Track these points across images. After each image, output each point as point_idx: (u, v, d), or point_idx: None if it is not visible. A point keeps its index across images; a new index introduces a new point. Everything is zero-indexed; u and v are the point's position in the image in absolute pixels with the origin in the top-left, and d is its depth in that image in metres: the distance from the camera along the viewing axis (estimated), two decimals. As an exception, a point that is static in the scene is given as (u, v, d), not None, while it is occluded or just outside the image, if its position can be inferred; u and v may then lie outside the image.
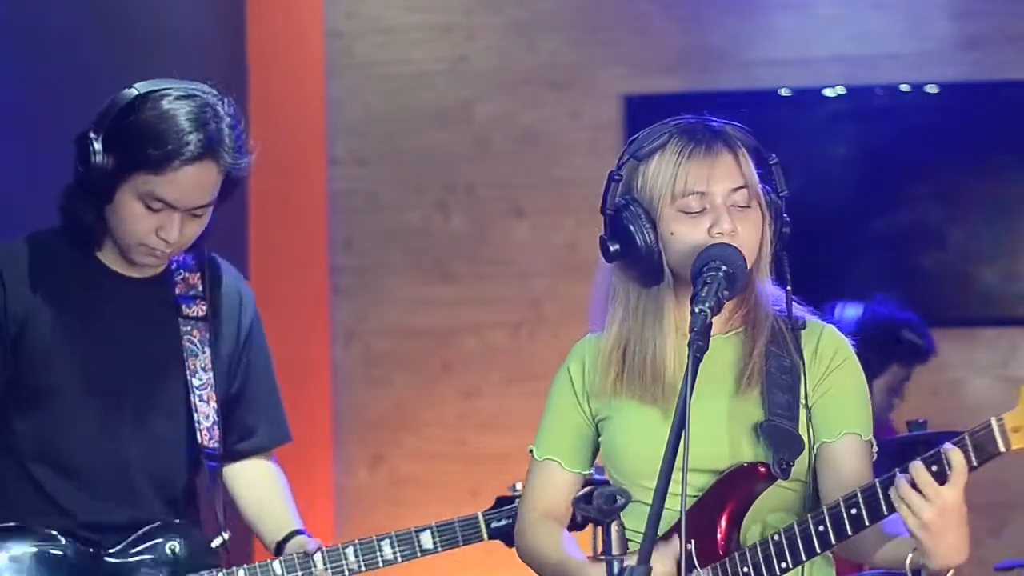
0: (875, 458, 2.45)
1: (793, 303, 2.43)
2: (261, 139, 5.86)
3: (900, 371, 4.44)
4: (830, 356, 2.45)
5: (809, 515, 2.30)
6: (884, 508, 2.22)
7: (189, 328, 2.78)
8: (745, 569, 2.32)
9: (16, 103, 3.84)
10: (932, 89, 5.46)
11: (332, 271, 5.85)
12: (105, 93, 2.70)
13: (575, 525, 2.66)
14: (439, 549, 2.84)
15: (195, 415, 2.78)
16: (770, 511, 2.41)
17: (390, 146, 5.84)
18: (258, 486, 2.90)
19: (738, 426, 2.40)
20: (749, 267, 2.38)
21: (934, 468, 2.17)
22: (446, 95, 5.79)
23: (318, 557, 2.76)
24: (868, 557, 2.37)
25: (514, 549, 2.64)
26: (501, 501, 2.95)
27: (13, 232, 2.81)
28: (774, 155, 2.45)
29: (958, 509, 2.17)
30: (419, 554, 2.82)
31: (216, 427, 2.80)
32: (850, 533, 2.26)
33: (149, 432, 2.75)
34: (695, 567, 2.32)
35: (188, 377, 2.77)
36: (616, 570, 1.98)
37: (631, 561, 2.02)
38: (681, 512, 2.11)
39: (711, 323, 2.21)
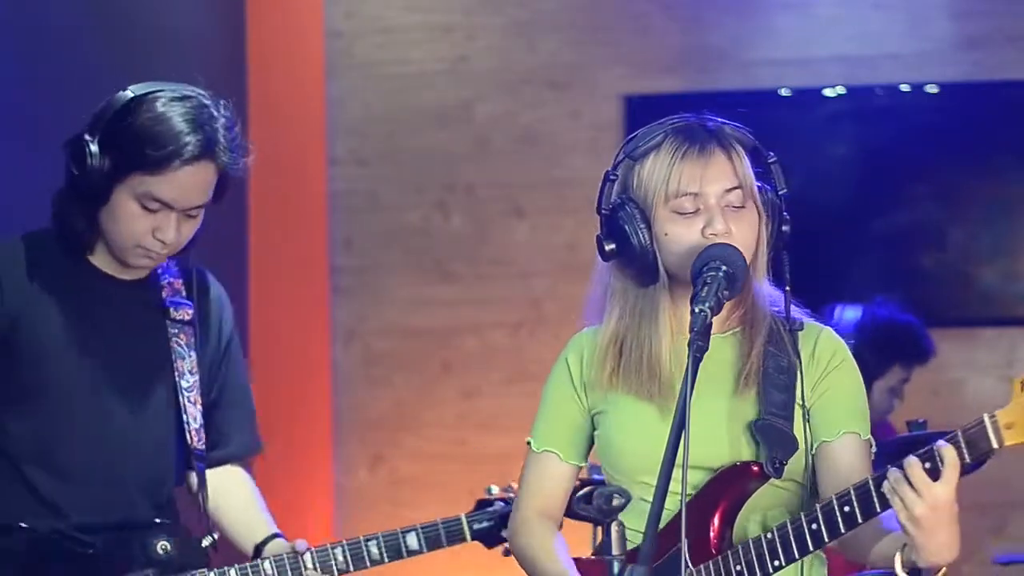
0: (874, 458, 2.45)
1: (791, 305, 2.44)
2: (261, 139, 5.86)
3: (900, 372, 4.44)
4: (828, 357, 2.45)
5: (802, 513, 2.30)
6: (877, 505, 2.22)
7: (176, 331, 2.80)
8: (738, 567, 2.32)
9: (16, 103, 3.84)
10: (932, 89, 5.46)
11: (332, 271, 5.86)
12: (105, 93, 2.70)
13: (573, 515, 2.67)
14: (424, 550, 2.89)
15: (184, 416, 2.80)
16: (764, 510, 2.42)
17: (390, 146, 5.85)
18: (233, 492, 2.93)
19: (734, 425, 2.40)
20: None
21: (927, 465, 2.17)
22: (446, 95, 5.79)
23: (308, 557, 2.78)
24: (866, 554, 2.37)
25: (492, 549, 2.68)
26: (481, 504, 3.02)
27: (13, 232, 2.81)
28: (772, 154, 2.45)
29: (949, 507, 2.17)
30: (405, 555, 2.87)
31: (203, 429, 2.82)
32: (843, 531, 2.26)
33: (141, 433, 2.77)
34: (688, 565, 2.32)
35: (176, 379, 2.79)
36: (616, 570, 1.98)
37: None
38: (681, 513, 2.11)
39: (711, 323, 2.22)
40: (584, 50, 5.69)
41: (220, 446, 2.92)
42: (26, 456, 2.68)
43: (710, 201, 2.38)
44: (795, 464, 2.40)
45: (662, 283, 2.42)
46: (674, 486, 2.11)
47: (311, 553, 2.79)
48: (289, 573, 2.78)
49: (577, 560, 2.51)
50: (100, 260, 2.72)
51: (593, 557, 2.49)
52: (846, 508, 2.24)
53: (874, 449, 2.45)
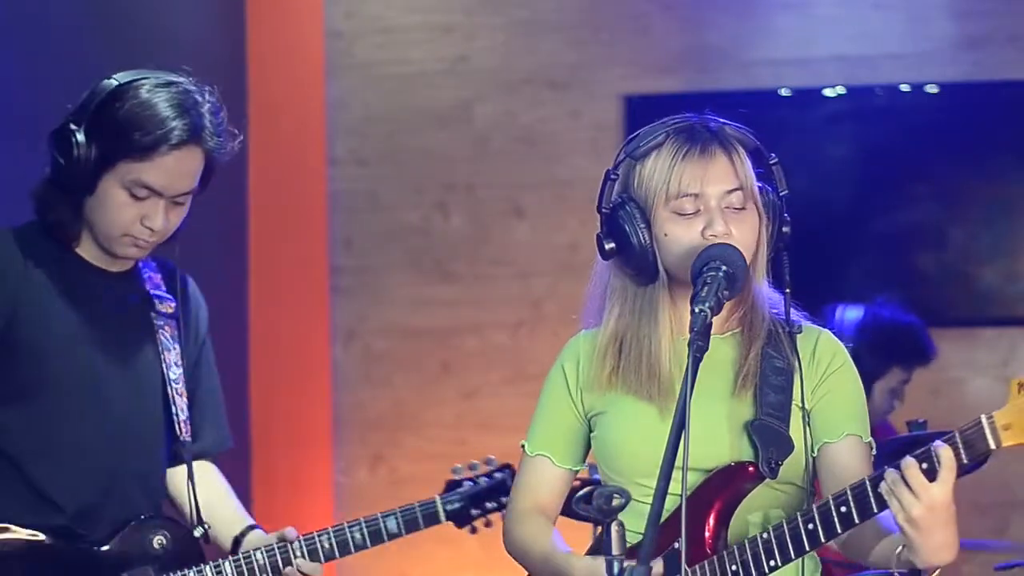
0: (873, 459, 2.45)
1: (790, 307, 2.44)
2: (261, 139, 5.89)
3: (901, 373, 4.44)
4: (828, 360, 2.45)
5: (798, 513, 2.30)
6: (874, 506, 2.22)
7: (161, 324, 2.82)
8: (734, 567, 2.32)
9: (16, 103, 3.84)
10: (932, 89, 5.46)
11: (332, 271, 5.85)
12: (105, 93, 2.70)
13: (573, 515, 2.67)
14: (403, 532, 2.97)
15: (173, 408, 2.81)
16: (761, 511, 2.42)
17: (390, 146, 5.84)
18: (208, 486, 2.94)
19: (732, 426, 2.40)
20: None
21: (924, 465, 2.17)
22: (446, 95, 5.79)
23: (296, 545, 2.82)
24: (866, 554, 2.37)
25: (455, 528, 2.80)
26: (450, 485, 3.11)
27: (13, 231, 2.81)
28: (774, 155, 2.45)
29: (946, 508, 2.17)
30: (386, 538, 2.95)
31: (189, 422, 2.83)
32: (840, 531, 2.26)
33: (137, 425, 2.78)
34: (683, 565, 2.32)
35: (165, 371, 2.80)
36: (616, 570, 1.98)
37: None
38: (681, 513, 2.11)
39: (711, 323, 2.22)
40: (584, 50, 5.69)
41: (194, 441, 2.93)
42: (25, 452, 2.69)
43: (711, 202, 2.38)
44: (794, 466, 2.40)
45: (661, 283, 2.42)
46: (672, 486, 2.11)
47: (299, 541, 2.83)
48: (280, 561, 2.81)
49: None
50: (87, 252, 2.73)
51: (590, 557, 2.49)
52: (843, 508, 2.24)
53: (874, 452, 2.45)
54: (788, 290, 2.44)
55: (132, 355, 2.78)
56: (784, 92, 5.53)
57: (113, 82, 2.65)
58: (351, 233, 5.86)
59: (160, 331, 2.82)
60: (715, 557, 2.34)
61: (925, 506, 2.16)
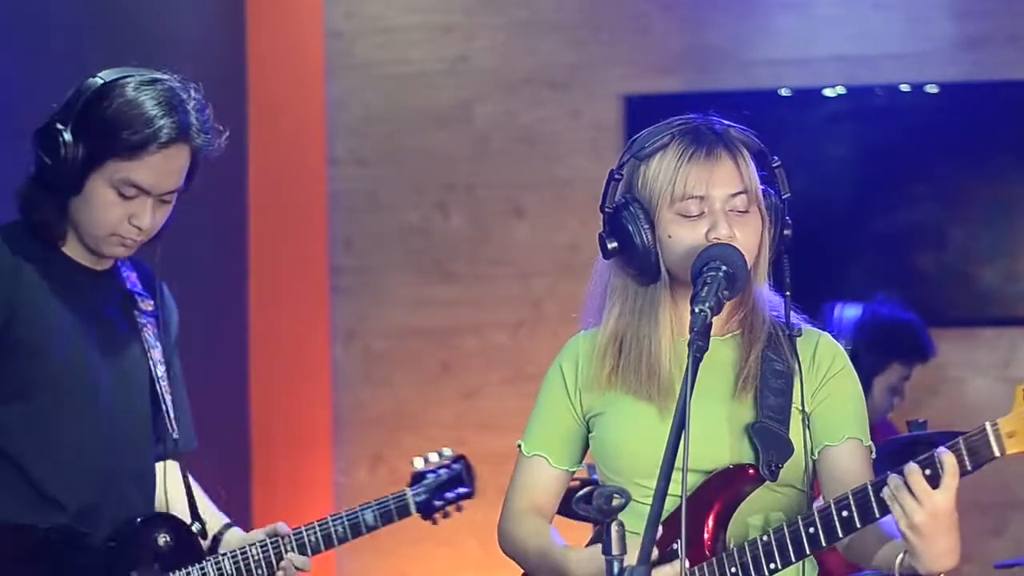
0: (873, 461, 2.46)
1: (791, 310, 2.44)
2: (261, 139, 5.89)
3: (900, 370, 4.43)
4: (828, 363, 2.45)
5: (799, 517, 2.30)
6: (876, 510, 2.22)
7: (144, 322, 2.83)
8: (733, 569, 2.32)
9: (16, 103, 3.84)
10: (932, 89, 5.46)
11: (332, 271, 5.86)
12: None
13: (573, 515, 2.67)
14: (379, 525, 3.04)
15: (164, 405, 2.82)
16: (759, 513, 2.41)
17: (390, 146, 5.84)
18: (180, 486, 2.93)
19: (732, 428, 2.40)
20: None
21: (927, 471, 2.17)
22: (446, 95, 5.79)
23: (287, 540, 2.87)
24: (868, 559, 2.37)
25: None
26: (416, 478, 3.20)
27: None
28: (777, 158, 2.45)
29: (949, 514, 2.17)
30: (364, 531, 3.00)
31: (175, 419, 2.84)
32: (841, 535, 2.26)
33: (131, 423, 2.79)
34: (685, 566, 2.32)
35: (152, 369, 2.81)
36: (616, 570, 1.98)
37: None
38: (681, 514, 2.10)
39: (711, 323, 2.22)
40: (584, 50, 5.69)
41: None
42: (25, 451, 2.69)
43: (715, 205, 2.38)
44: (794, 469, 2.40)
45: (663, 283, 2.42)
46: (672, 487, 2.11)
47: (290, 536, 2.87)
48: (272, 556, 2.85)
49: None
50: (72, 251, 2.73)
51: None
52: (844, 513, 2.24)
53: (873, 455, 2.45)
54: (788, 293, 2.44)
55: (121, 353, 2.79)
56: (784, 92, 5.53)
57: (99, 80, 2.65)
58: (351, 233, 5.86)
59: (144, 329, 2.83)
60: (714, 559, 2.34)
61: (928, 513, 2.16)
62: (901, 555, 2.23)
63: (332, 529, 2.96)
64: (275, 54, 5.64)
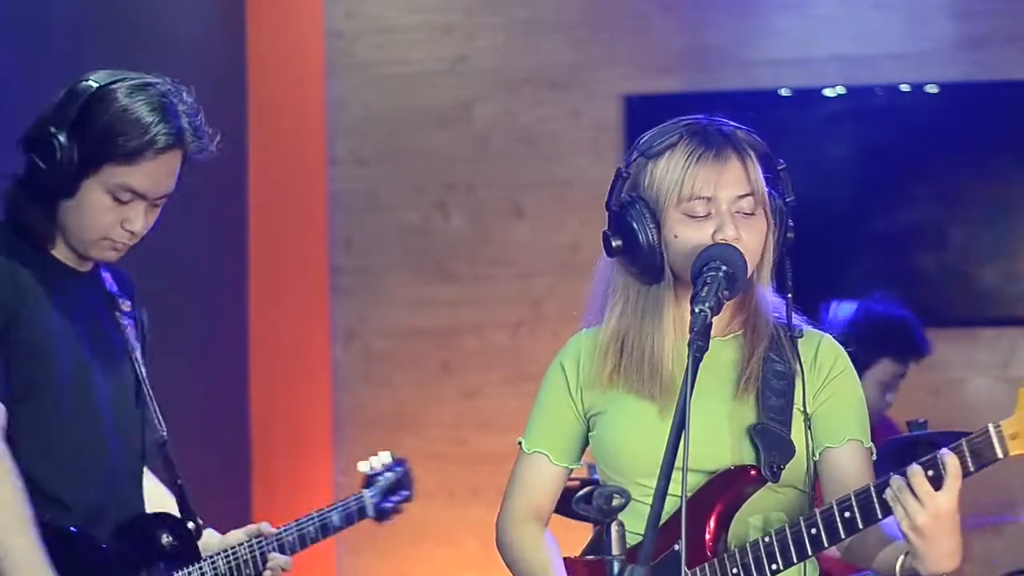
0: (874, 461, 2.46)
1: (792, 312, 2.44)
2: (261, 139, 5.88)
3: (892, 366, 4.40)
4: (829, 365, 2.46)
5: (801, 518, 2.30)
6: (879, 512, 2.22)
7: (125, 323, 2.83)
8: (735, 570, 2.32)
9: (16, 103, 3.84)
10: (932, 89, 5.46)
11: (332, 271, 5.86)
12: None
13: (573, 515, 2.67)
14: (344, 526, 3.18)
15: (152, 404, 2.83)
16: (760, 514, 2.41)
17: (390, 146, 5.85)
18: (153, 488, 2.95)
19: (733, 429, 2.40)
20: (751, 273, 2.39)
21: (930, 472, 2.17)
22: (446, 95, 5.79)
23: (269, 540, 2.93)
24: (870, 560, 2.37)
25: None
26: (368, 480, 3.37)
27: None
28: (782, 161, 2.45)
29: (951, 516, 2.17)
30: (332, 531, 3.12)
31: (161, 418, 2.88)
32: (843, 536, 2.26)
33: (127, 422, 2.79)
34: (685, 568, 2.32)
35: (138, 369, 2.82)
36: (616, 570, 1.98)
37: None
38: (681, 514, 2.11)
39: (711, 323, 2.22)
40: (584, 50, 5.69)
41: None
42: (30, 452, 2.69)
43: (722, 207, 2.38)
44: (795, 470, 2.40)
45: (667, 282, 2.42)
46: (672, 487, 2.11)
47: (273, 537, 2.95)
48: (258, 556, 2.90)
49: (568, 560, 2.51)
50: (60, 253, 2.73)
51: (589, 557, 2.49)
52: (846, 514, 2.24)
53: (874, 457, 2.45)
54: (790, 295, 2.44)
55: (111, 354, 2.79)
56: (784, 92, 5.53)
57: (92, 84, 2.65)
58: (351, 233, 5.86)
59: (125, 330, 2.83)
60: (716, 560, 2.34)
61: (930, 514, 2.16)
62: (903, 556, 2.23)
63: (306, 530, 3.04)
64: (275, 54, 5.64)
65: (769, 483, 2.37)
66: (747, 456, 2.38)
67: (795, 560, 2.30)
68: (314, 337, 5.81)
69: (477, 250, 5.77)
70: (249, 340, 5.53)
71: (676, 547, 2.16)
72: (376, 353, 5.84)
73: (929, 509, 2.16)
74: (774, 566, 2.30)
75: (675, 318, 2.43)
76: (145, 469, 2.96)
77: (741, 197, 2.40)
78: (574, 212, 5.60)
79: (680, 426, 2.08)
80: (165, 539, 2.79)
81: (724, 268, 2.28)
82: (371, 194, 5.85)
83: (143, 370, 2.85)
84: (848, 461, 2.41)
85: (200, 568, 2.81)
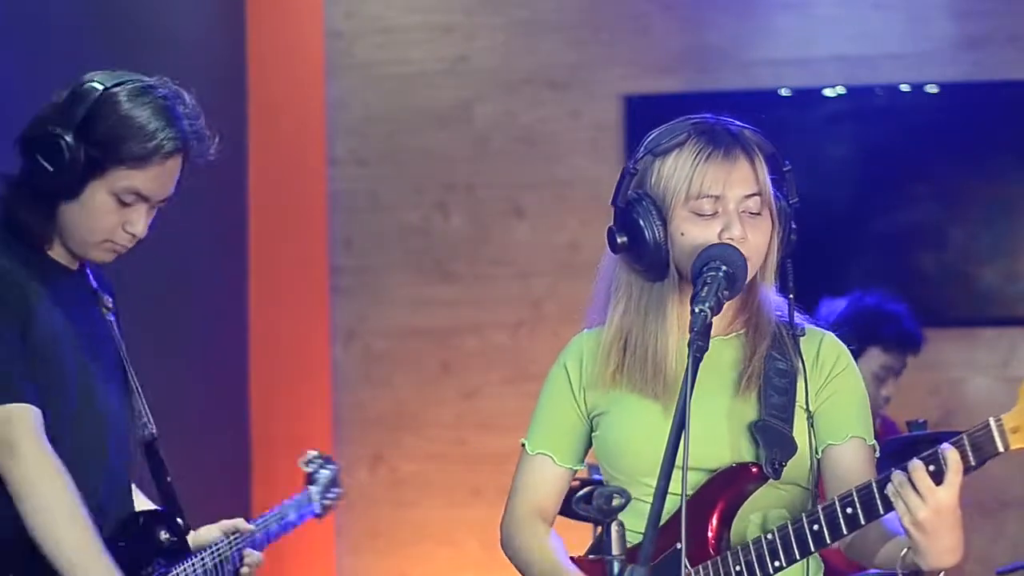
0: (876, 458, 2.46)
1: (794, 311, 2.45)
2: (261, 139, 5.88)
3: (882, 356, 4.38)
4: (832, 362, 2.46)
5: (803, 514, 2.30)
6: (880, 508, 2.22)
7: (111, 320, 2.84)
8: (737, 568, 2.33)
9: (16, 103, 3.84)
10: (932, 89, 5.46)
11: (332, 271, 5.86)
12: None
13: (573, 515, 2.67)
14: (298, 522, 3.24)
15: (141, 401, 2.83)
16: (762, 511, 2.42)
17: (390, 146, 5.85)
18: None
19: (735, 426, 2.40)
20: (755, 272, 2.40)
21: (931, 467, 2.17)
22: (446, 95, 5.79)
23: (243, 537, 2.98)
24: (871, 556, 2.37)
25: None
26: (309, 478, 3.39)
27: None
28: (788, 162, 2.45)
29: (952, 511, 2.17)
30: (289, 529, 3.18)
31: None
32: (845, 532, 2.26)
33: (118, 420, 2.80)
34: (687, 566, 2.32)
35: (126, 366, 2.83)
36: (616, 570, 1.98)
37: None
38: (681, 514, 2.11)
39: (711, 323, 2.22)
40: (584, 50, 5.70)
41: None
42: None
43: (729, 206, 2.39)
44: (798, 468, 2.40)
45: (671, 280, 2.43)
46: (673, 486, 2.11)
47: (249, 533, 2.99)
48: (236, 549, 2.94)
49: (573, 559, 2.51)
50: (55, 253, 2.74)
51: (591, 557, 2.49)
52: (848, 510, 2.24)
53: (877, 454, 2.46)
54: (792, 295, 2.45)
55: (103, 352, 2.80)
56: (784, 92, 5.53)
57: (97, 86, 2.64)
58: (351, 233, 5.86)
59: (112, 327, 2.84)
60: (719, 557, 2.34)
61: (931, 509, 2.16)
62: (904, 552, 2.23)
63: (270, 527, 3.08)
64: (275, 54, 5.64)
65: (771, 480, 2.37)
66: (749, 454, 2.38)
67: (797, 557, 2.30)
68: (314, 337, 5.81)
69: (477, 250, 5.77)
70: (249, 340, 5.53)
71: (678, 546, 2.16)
72: (376, 353, 5.84)
73: (930, 504, 2.16)
74: (776, 563, 2.30)
75: (679, 316, 2.43)
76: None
77: (748, 197, 2.40)
78: (574, 212, 5.60)
79: (680, 426, 2.08)
80: (163, 536, 2.79)
81: (724, 268, 2.28)
82: (371, 194, 5.85)
83: (131, 367, 2.85)
84: (851, 458, 2.41)
85: (192, 565, 2.82)
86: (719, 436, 2.40)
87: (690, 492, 2.38)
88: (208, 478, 4.66)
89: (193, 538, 2.91)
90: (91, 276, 2.85)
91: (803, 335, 2.45)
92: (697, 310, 2.21)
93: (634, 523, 2.20)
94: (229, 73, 5.41)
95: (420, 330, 5.79)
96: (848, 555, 2.43)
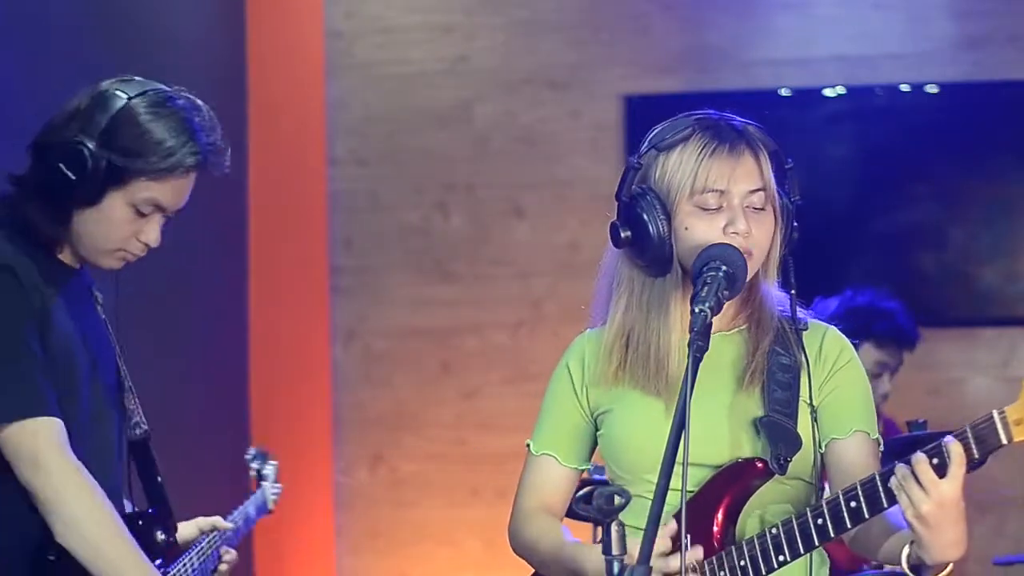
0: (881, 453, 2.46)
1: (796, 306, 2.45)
2: (261, 139, 5.88)
3: (875, 352, 4.37)
4: (835, 356, 2.46)
5: (808, 508, 2.30)
6: (884, 501, 2.23)
7: (105, 318, 2.84)
8: (742, 562, 2.33)
9: (16, 103, 3.84)
10: (932, 89, 5.46)
11: (332, 271, 5.86)
12: (105, 93, 2.69)
13: (573, 515, 2.67)
14: (257, 518, 3.38)
15: (135, 400, 2.84)
16: (767, 506, 2.42)
17: (390, 146, 5.85)
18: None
19: (738, 422, 2.41)
20: (757, 269, 2.41)
21: (935, 460, 2.17)
22: (446, 95, 5.79)
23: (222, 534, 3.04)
24: (875, 550, 2.37)
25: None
26: (259, 475, 3.55)
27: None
28: (790, 160, 2.46)
29: (956, 504, 2.17)
30: (252, 524, 3.32)
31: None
32: (849, 526, 2.26)
33: (119, 419, 2.80)
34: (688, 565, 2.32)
35: (120, 364, 2.83)
36: (616, 570, 1.98)
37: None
38: (682, 513, 2.11)
39: (711, 323, 2.22)
40: (584, 50, 5.70)
41: None
42: None
43: (734, 201, 2.39)
44: (802, 462, 2.40)
45: (674, 275, 2.43)
46: (675, 484, 2.11)
47: (226, 531, 3.06)
48: (217, 549, 3.01)
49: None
50: (64, 257, 2.74)
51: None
52: (852, 504, 2.24)
53: (881, 448, 2.46)
54: (794, 291, 2.45)
55: (104, 350, 2.80)
56: (784, 92, 5.54)
57: (122, 96, 2.64)
58: (351, 233, 5.86)
59: (106, 324, 2.84)
60: (723, 552, 2.35)
61: (935, 502, 2.16)
62: (908, 546, 2.23)
63: (239, 526, 3.16)
64: (275, 54, 5.64)
65: (776, 475, 2.37)
66: (753, 449, 2.39)
67: (802, 551, 2.30)
68: (314, 337, 5.81)
69: (477, 250, 5.77)
70: (249, 340, 5.53)
71: (684, 541, 2.17)
72: (376, 353, 5.84)
73: (933, 497, 2.15)
74: (781, 557, 2.30)
75: (682, 313, 2.43)
76: None
77: (753, 192, 2.40)
78: (574, 212, 5.60)
79: (680, 426, 2.08)
80: (160, 537, 2.80)
81: (724, 268, 2.28)
82: (371, 194, 5.85)
83: (123, 365, 2.86)
84: (855, 452, 2.41)
85: (184, 564, 2.84)
86: (722, 432, 2.40)
87: (694, 488, 2.38)
88: (208, 478, 4.66)
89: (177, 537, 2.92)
90: (87, 274, 2.85)
91: (806, 329, 2.46)
92: (697, 310, 2.21)
93: (636, 521, 2.20)
94: (229, 73, 5.41)
95: (420, 330, 5.80)
96: (852, 549, 2.43)
